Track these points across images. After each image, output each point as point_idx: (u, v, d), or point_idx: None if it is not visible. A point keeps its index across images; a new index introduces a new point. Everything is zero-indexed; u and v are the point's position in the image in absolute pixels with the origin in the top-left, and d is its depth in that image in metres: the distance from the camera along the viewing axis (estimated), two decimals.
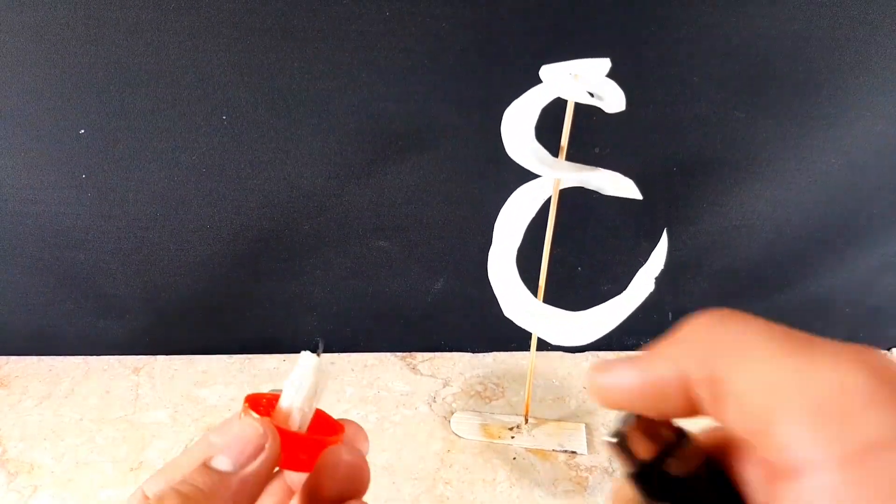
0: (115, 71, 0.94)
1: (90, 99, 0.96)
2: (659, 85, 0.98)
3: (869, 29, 0.95)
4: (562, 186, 0.87)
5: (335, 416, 1.00)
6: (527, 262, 0.93)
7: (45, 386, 1.15)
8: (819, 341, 0.29)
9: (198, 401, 1.12)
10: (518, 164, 0.84)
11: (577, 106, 0.80)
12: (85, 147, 1.00)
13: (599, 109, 0.94)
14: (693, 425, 0.34)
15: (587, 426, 1.08)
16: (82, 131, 0.99)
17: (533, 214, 0.88)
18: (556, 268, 1.08)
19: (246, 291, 1.16)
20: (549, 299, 0.95)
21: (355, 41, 0.93)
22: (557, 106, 0.80)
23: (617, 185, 0.82)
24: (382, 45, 0.94)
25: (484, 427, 1.06)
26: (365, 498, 0.43)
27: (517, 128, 0.80)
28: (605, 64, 0.76)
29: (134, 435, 1.05)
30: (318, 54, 0.94)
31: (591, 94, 0.78)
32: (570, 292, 1.14)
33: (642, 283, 0.87)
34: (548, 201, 0.88)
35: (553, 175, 0.81)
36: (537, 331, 0.88)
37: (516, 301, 0.89)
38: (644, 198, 1.06)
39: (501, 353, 1.24)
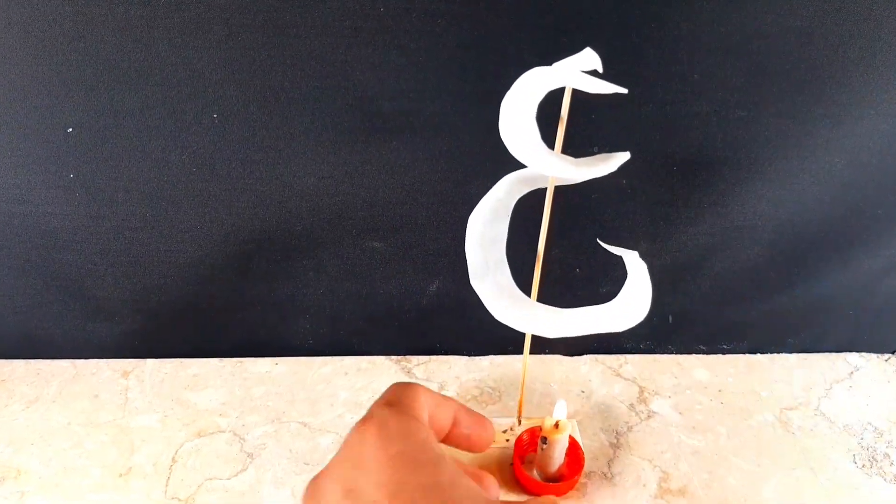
0: (103, 68, 0.95)
1: (78, 97, 0.97)
2: (658, 83, 0.99)
3: (873, 25, 0.95)
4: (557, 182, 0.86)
5: (325, 420, 1.00)
6: (522, 263, 0.93)
7: (32, 390, 1.16)
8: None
9: (188, 405, 1.13)
10: (516, 164, 0.85)
11: (577, 105, 0.80)
12: (73, 146, 1.01)
13: (599, 107, 0.94)
14: None
15: (581, 424, 1.09)
16: (70, 130, 1.00)
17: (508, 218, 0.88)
18: (554, 269, 1.08)
19: (237, 293, 1.17)
20: (546, 301, 0.94)
21: (349, 38, 0.94)
22: (552, 102, 0.79)
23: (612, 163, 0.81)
24: (376, 42, 0.94)
25: None
26: None
27: (517, 115, 0.78)
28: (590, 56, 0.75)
29: (123, 440, 1.06)
30: (311, 51, 0.95)
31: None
32: (568, 294, 1.14)
33: (635, 268, 0.87)
34: (531, 202, 0.87)
35: (549, 170, 0.80)
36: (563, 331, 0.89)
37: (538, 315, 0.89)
38: (643, 198, 1.07)
39: (498, 356, 1.24)
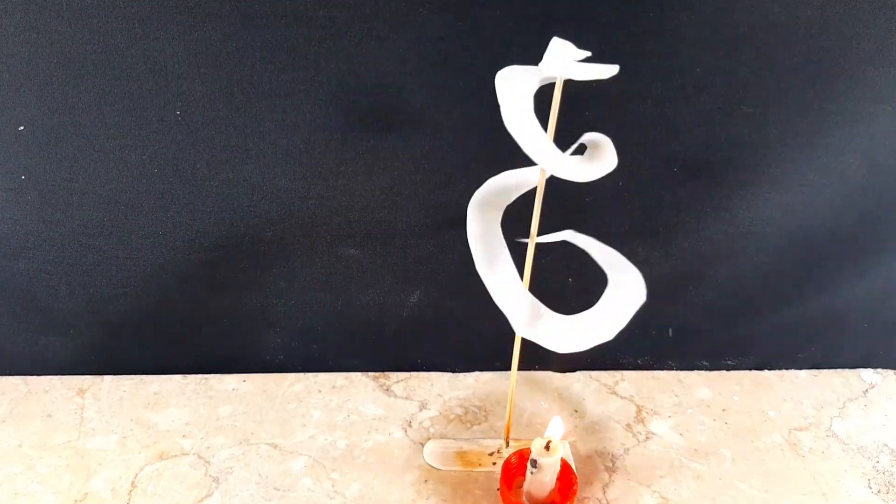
0: (57, 61, 0.93)
1: (30, 92, 0.95)
2: (658, 77, 0.97)
3: (890, 16, 0.93)
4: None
5: (297, 441, 1.04)
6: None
7: None
8: None
9: (149, 425, 1.10)
10: (504, 164, 0.84)
11: (569, 101, 0.78)
12: (24, 145, 0.99)
13: (593, 104, 0.93)
14: None
15: (574, 446, 1.07)
16: (21, 128, 0.97)
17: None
18: (545, 278, 1.06)
19: (202, 304, 1.14)
20: None
21: (323, 28, 0.92)
22: (541, 98, 0.77)
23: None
24: (353, 33, 0.92)
25: (461, 454, 1.05)
26: None
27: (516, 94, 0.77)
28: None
29: (78, 463, 1.04)
30: (282, 42, 0.93)
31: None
32: (560, 305, 1.12)
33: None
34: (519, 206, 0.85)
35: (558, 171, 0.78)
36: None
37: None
38: (642, 202, 1.06)
39: (484, 372, 1.22)
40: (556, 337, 0.87)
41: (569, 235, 0.85)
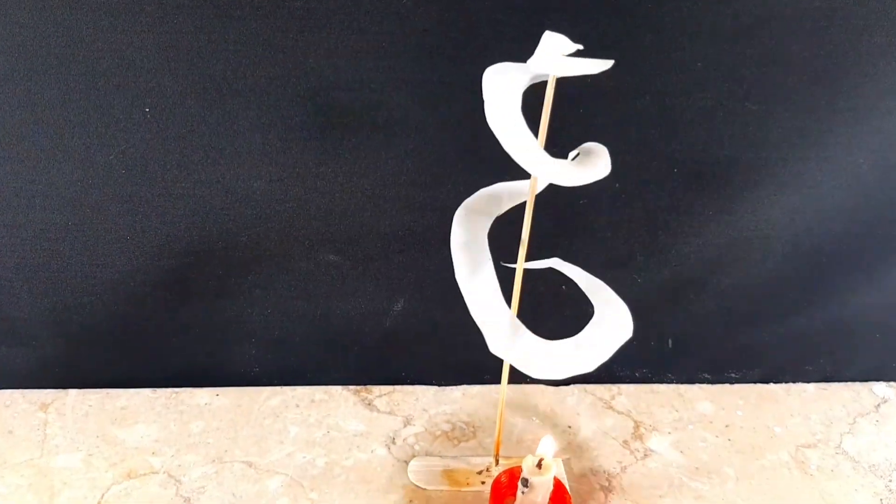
0: (18, 55, 0.91)
1: None
2: (657, 72, 0.96)
3: None
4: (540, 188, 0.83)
5: (273, 459, 1.03)
6: (499, 278, 0.89)
7: None
8: None
9: (116, 442, 1.08)
10: (493, 165, 0.83)
11: (563, 98, 0.76)
12: None
13: (588, 101, 0.91)
14: None
15: (568, 464, 1.06)
16: None
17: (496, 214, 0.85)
18: (538, 286, 1.05)
19: (173, 314, 1.13)
20: (529, 322, 0.91)
21: (300, 20, 0.91)
22: (534, 94, 0.76)
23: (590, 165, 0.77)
24: (332, 25, 0.91)
25: (448, 473, 1.03)
26: None
27: (503, 94, 0.75)
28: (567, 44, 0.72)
29: (41, 482, 1.01)
30: (257, 35, 0.91)
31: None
32: (554, 314, 1.11)
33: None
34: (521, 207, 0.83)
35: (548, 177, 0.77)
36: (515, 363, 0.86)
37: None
38: (640, 204, 1.04)
39: (472, 385, 1.21)
40: (532, 361, 0.86)
41: (555, 263, 0.85)
